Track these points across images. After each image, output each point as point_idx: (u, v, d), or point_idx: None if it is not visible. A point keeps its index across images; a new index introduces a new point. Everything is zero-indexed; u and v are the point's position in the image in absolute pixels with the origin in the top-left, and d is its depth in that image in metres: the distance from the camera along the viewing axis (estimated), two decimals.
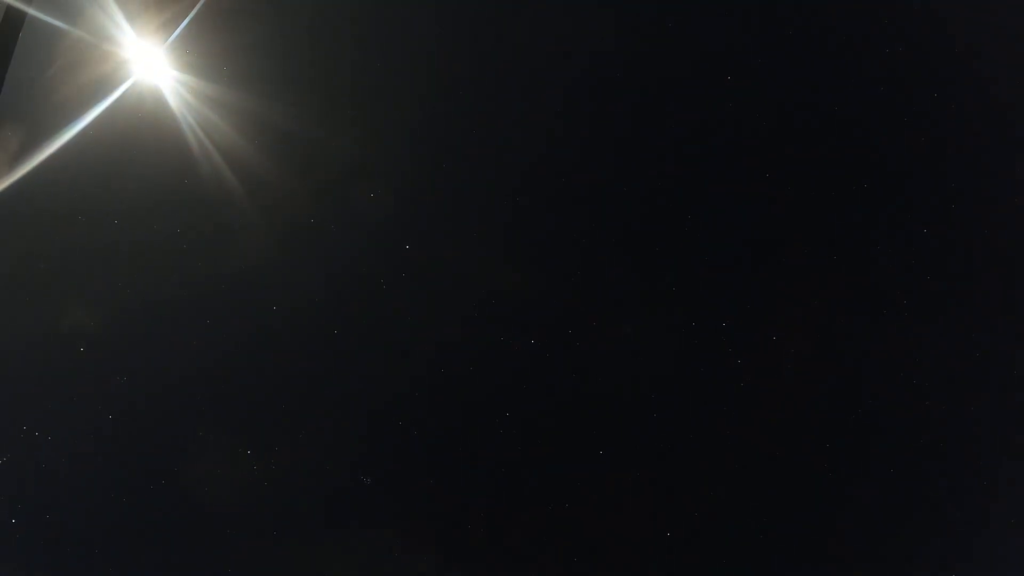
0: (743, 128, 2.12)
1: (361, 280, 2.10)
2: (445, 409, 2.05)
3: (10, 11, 2.03)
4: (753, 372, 2.02)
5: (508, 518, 2.01)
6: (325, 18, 2.11)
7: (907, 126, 2.12)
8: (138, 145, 2.09)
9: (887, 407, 2.01)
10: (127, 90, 2.09)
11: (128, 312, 2.12)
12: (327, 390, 2.07)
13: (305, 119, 2.07)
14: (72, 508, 2.07)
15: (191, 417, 2.07)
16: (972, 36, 2.14)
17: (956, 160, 2.09)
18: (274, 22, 2.07)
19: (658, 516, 1.99)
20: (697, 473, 2.01)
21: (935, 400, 2.01)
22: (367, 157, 2.13)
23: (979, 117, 2.12)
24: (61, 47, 2.11)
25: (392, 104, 2.14)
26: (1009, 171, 2.07)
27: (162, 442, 2.08)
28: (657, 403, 2.02)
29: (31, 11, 2.07)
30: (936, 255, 2.05)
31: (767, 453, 2.00)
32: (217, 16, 2.04)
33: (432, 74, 2.15)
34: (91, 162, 2.11)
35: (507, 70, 2.16)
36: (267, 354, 2.09)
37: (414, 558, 1.99)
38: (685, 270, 2.09)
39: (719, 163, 2.13)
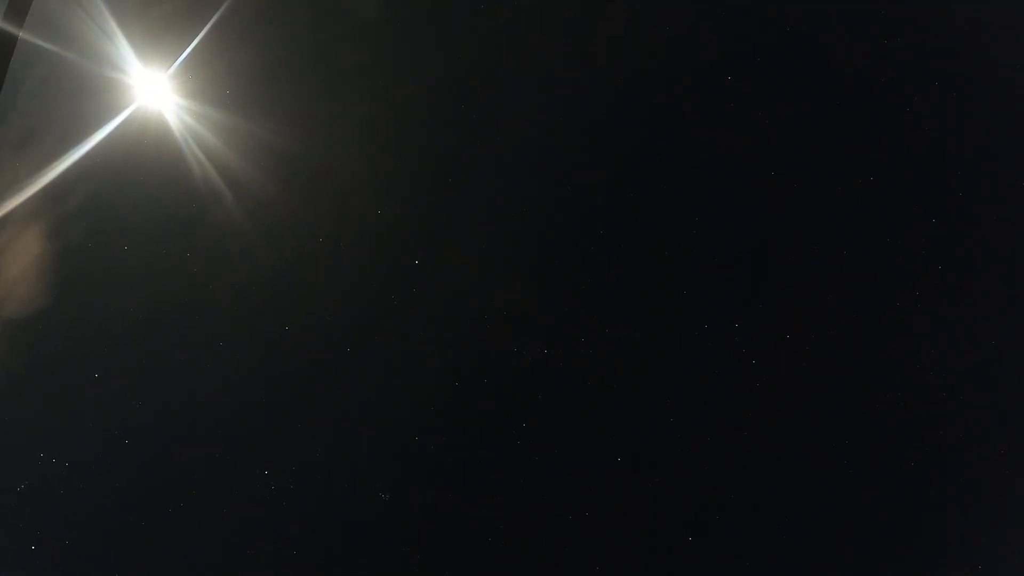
0: (750, 129, 2.12)
1: (372, 296, 2.10)
2: (461, 421, 2.05)
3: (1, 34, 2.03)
4: (768, 372, 2.03)
5: (527, 527, 2.02)
6: (326, 41, 2.12)
7: (913, 124, 2.12)
8: (146, 171, 2.10)
9: (904, 404, 2.01)
10: (131, 115, 2.09)
11: (141, 337, 2.13)
12: (343, 407, 2.08)
13: (309, 140, 2.07)
14: (91, 533, 2.07)
15: (207, 438, 2.08)
16: (983, 31, 2.14)
17: (967, 158, 2.09)
18: (276, 47, 2.08)
19: (679, 519, 2.00)
20: (716, 475, 2.01)
21: (952, 396, 2.01)
22: (372, 175, 2.14)
23: (987, 113, 2.12)
24: (66, 74, 2.11)
25: (395, 122, 2.15)
26: (1017, 166, 2.08)
27: (179, 465, 2.09)
28: (674, 407, 2.03)
29: (22, 34, 2.08)
30: (949, 250, 2.05)
31: (786, 453, 2.01)
32: (219, 43, 2.05)
33: (433, 92, 2.15)
34: (100, 189, 2.11)
35: (507, 84, 2.16)
36: (281, 373, 2.10)
37: (435, 573, 1.99)
38: (696, 273, 2.09)
39: (726, 166, 2.13)
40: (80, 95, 2.14)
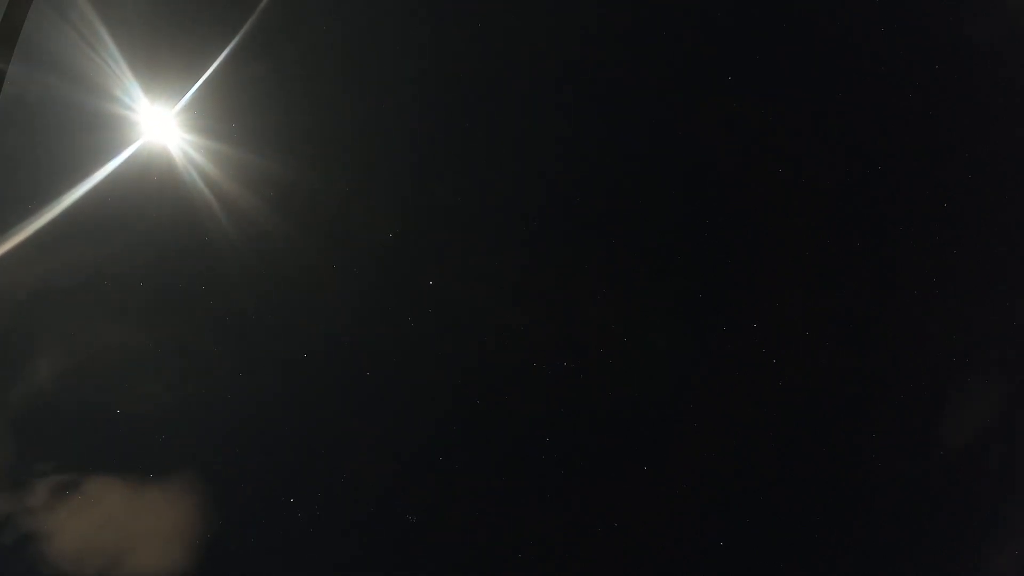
0: (757, 132, 2.11)
1: (388, 319, 2.10)
2: (484, 439, 2.05)
3: None
4: (788, 370, 2.02)
5: (556, 540, 2.01)
6: (331, 74, 2.13)
7: (922, 121, 2.12)
8: (156, 206, 2.11)
9: (927, 399, 2.00)
10: (137, 152, 2.10)
11: (154, 369, 2.13)
12: (365, 430, 2.08)
13: (315, 171, 2.08)
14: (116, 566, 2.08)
15: (231, 469, 2.08)
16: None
17: (974, 155, 2.08)
18: (280, 83, 2.09)
19: (706, 524, 1.99)
20: (740, 477, 2.00)
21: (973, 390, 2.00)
22: (380, 201, 2.14)
23: (992, 112, 2.11)
24: (75, 111, 2.12)
25: (400, 147, 2.15)
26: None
27: (203, 495, 2.09)
28: (696, 412, 2.02)
29: (33, 72, 2.10)
30: (962, 246, 2.04)
31: (809, 452, 2.00)
32: (224, 79, 2.06)
33: (439, 116, 2.16)
34: (109, 222, 2.12)
35: (513, 100, 2.16)
36: (302, 399, 2.10)
37: None
38: (709, 277, 2.09)
39: (735, 171, 2.13)
40: (88, 131, 2.16)
